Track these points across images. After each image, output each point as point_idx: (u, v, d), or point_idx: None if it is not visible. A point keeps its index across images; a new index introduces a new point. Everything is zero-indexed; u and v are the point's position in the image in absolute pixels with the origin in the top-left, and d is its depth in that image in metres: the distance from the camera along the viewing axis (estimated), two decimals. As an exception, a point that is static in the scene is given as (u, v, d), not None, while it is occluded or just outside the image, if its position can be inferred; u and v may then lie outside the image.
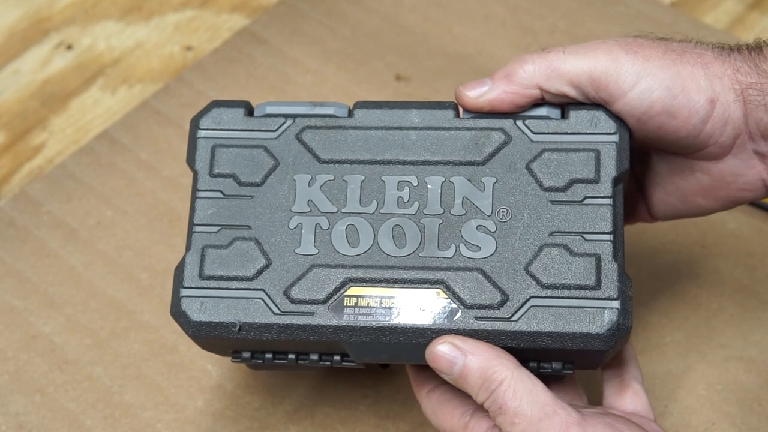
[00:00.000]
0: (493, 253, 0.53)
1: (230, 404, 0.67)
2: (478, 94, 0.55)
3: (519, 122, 0.55)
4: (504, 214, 0.54)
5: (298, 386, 0.68)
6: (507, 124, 0.55)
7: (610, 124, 0.55)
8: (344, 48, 0.85)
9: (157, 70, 0.85)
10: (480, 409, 0.54)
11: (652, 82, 0.53)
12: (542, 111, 0.56)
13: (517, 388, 0.51)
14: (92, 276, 0.73)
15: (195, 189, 0.56)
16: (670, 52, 0.54)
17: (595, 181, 0.54)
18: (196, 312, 0.54)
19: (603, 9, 0.86)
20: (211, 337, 0.54)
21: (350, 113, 0.57)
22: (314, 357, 0.56)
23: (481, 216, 0.54)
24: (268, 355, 0.56)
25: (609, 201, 0.54)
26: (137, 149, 0.80)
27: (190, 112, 0.60)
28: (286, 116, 0.57)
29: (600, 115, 0.55)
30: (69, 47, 0.87)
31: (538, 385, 0.51)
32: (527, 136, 0.55)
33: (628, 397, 0.58)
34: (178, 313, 0.54)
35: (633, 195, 0.61)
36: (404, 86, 0.82)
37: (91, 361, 0.69)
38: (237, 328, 0.54)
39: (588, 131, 0.55)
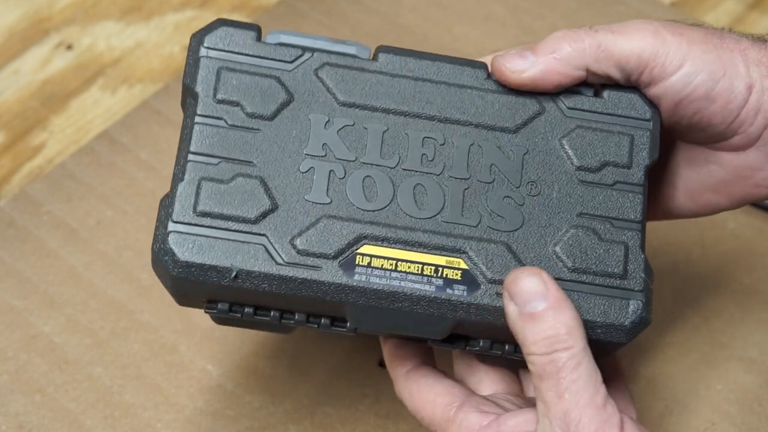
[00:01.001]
0: (520, 228, 0.51)
1: (230, 404, 0.67)
2: (521, 68, 0.52)
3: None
4: (533, 187, 0.52)
5: (298, 386, 0.68)
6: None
7: (645, 110, 0.53)
8: (344, 48, 0.85)
9: (157, 70, 0.85)
10: (468, 401, 0.52)
11: (697, 65, 0.52)
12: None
13: (582, 362, 0.47)
14: (92, 276, 0.73)
15: (193, 113, 0.51)
16: (711, 36, 0.53)
17: (628, 166, 0.52)
18: (186, 251, 0.48)
19: (603, 9, 0.86)
20: (199, 281, 0.48)
21: (374, 56, 0.53)
22: (301, 317, 0.51)
23: (509, 187, 0.51)
24: (249, 309, 0.51)
25: (640, 189, 0.52)
26: (137, 149, 0.80)
27: (190, 111, 0.60)
28: (304, 48, 0.52)
29: (636, 99, 0.53)
30: (69, 47, 0.87)
31: (599, 373, 0.48)
32: (561, 109, 0.53)
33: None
34: (162, 250, 0.48)
35: None
36: (404, 86, 0.82)
37: (91, 361, 0.69)
38: (233, 275, 0.48)
39: (623, 114, 0.53)
